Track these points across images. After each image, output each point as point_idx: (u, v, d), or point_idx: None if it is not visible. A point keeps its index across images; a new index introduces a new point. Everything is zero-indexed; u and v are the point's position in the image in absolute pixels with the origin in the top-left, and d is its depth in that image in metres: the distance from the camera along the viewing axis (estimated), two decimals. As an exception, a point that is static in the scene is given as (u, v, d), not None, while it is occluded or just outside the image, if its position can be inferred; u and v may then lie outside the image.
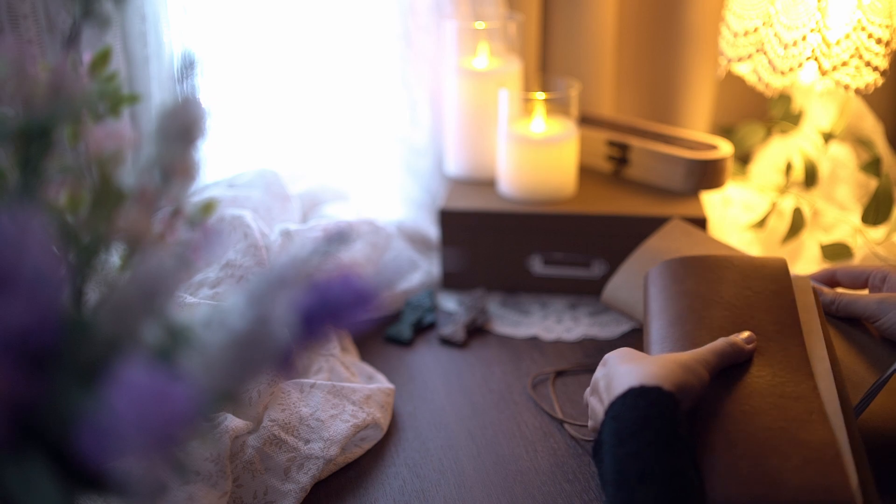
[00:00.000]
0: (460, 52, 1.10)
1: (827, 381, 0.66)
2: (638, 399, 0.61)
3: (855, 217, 1.08)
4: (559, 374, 0.89)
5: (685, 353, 0.66)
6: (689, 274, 0.76)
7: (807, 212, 1.09)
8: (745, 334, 0.69)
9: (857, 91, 0.96)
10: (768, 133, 1.22)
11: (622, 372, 0.64)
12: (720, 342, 0.67)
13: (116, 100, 0.45)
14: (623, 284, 0.90)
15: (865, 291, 0.79)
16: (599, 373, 0.68)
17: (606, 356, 0.69)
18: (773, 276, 0.76)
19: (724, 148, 1.08)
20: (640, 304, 0.86)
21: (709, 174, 1.06)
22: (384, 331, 0.97)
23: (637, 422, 0.59)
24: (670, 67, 1.22)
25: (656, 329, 0.73)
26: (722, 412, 0.64)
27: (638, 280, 0.88)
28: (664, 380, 0.61)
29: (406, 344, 0.95)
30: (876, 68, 0.95)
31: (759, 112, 1.27)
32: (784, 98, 1.19)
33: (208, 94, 0.97)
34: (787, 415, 0.63)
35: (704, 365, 0.65)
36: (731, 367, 0.67)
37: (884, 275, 0.77)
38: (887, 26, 0.93)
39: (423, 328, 0.98)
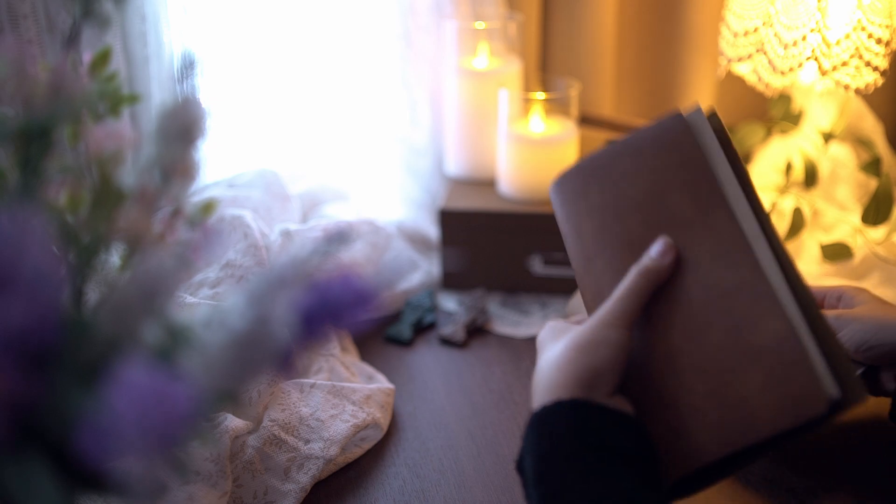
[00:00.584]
0: (460, 52, 1.10)
1: (763, 251, 0.55)
2: (543, 426, 0.52)
3: (855, 217, 1.08)
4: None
5: (594, 320, 0.56)
6: (589, 184, 0.63)
7: (807, 212, 1.09)
8: (656, 247, 0.57)
9: (857, 91, 0.96)
10: (768, 133, 1.22)
11: (536, 382, 0.56)
12: (630, 279, 0.56)
13: (116, 100, 0.45)
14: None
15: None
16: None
17: (539, 337, 0.60)
18: (673, 143, 0.61)
19: (724, 148, 1.08)
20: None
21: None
22: (384, 331, 0.97)
23: (549, 458, 0.50)
24: (670, 67, 1.22)
25: (578, 266, 0.63)
26: (665, 350, 0.55)
27: None
28: (563, 387, 0.53)
29: (406, 344, 0.95)
30: (876, 68, 0.95)
31: (759, 112, 1.27)
32: (784, 98, 1.19)
33: (208, 94, 0.97)
34: (735, 317, 0.53)
35: (619, 321, 0.55)
36: (658, 291, 0.57)
37: (839, 293, 0.74)
38: (887, 26, 0.93)
39: (423, 328, 0.98)
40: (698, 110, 0.62)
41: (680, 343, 0.55)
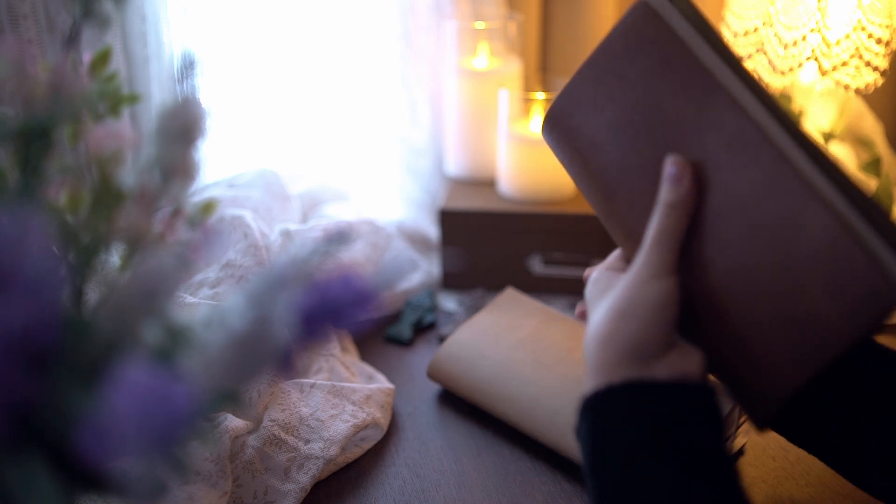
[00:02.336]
0: (460, 52, 1.10)
1: (780, 136, 0.48)
2: (595, 414, 0.49)
3: (855, 217, 1.08)
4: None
5: (631, 277, 0.51)
6: (578, 116, 0.58)
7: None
8: (667, 174, 0.51)
9: (857, 91, 0.96)
10: (768, 133, 1.22)
11: (585, 355, 0.51)
12: (657, 221, 0.51)
13: (116, 100, 0.45)
14: (448, 357, 0.84)
15: None
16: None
17: (586, 294, 0.56)
18: (646, 41, 0.54)
19: (724, 148, 1.08)
20: (465, 377, 0.82)
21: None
22: (384, 331, 0.97)
23: (603, 451, 0.47)
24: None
25: (598, 207, 0.58)
26: (716, 282, 0.50)
27: (463, 353, 0.84)
28: (612, 367, 0.48)
29: (406, 344, 0.95)
30: (876, 68, 0.95)
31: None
32: (784, 98, 1.19)
33: (208, 94, 0.97)
34: (775, 224, 0.48)
35: (659, 270, 0.50)
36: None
37: None
38: (887, 26, 0.93)
39: (423, 328, 0.98)
40: None
41: (736, 260, 0.49)
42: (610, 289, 0.52)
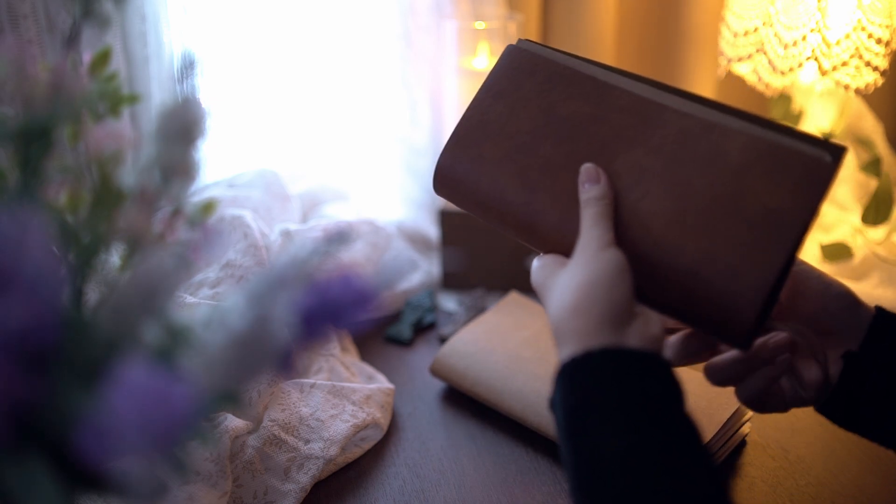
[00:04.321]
0: (460, 52, 1.10)
1: (673, 100, 0.58)
2: (573, 378, 0.50)
3: (855, 217, 1.08)
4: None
5: (586, 251, 0.54)
6: (478, 145, 0.62)
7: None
8: (583, 174, 0.57)
9: (857, 91, 0.96)
10: (768, 133, 1.22)
11: (556, 329, 0.53)
12: (589, 211, 0.56)
13: (116, 100, 0.45)
14: (453, 353, 0.85)
15: None
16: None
17: (532, 282, 0.58)
18: (526, 69, 0.63)
19: (724, 148, 1.08)
20: (470, 372, 0.83)
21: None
22: (384, 331, 0.97)
23: (580, 412, 0.48)
24: (670, 67, 1.22)
25: (515, 214, 0.61)
26: (666, 221, 0.54)
27: (468, 350, 0.85)
28: (590, 334, 0.50)
29: (406, 344, 0.95)
30: (876, 68, 0.95)
31: (759, 112, 1.27)
32: (784, 98, 1.19)
33: (208, 94, 0.97)
34: (702, 158, 0.55)
35: (605, 243, 0.54)
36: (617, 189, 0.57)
37: None
38: (887, 26, 0.93)
39: (423, 328, 0.98)
40: (522, 40, 0.65)
41: (674, 205, 0.54)
42: (559, 269, 0.56)
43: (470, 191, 0.62)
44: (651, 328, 0.52)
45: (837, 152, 0.52)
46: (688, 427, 0.48)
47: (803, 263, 0.61)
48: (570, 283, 0.53)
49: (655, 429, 0.47)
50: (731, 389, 0.60)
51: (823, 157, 0.52)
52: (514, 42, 0.66)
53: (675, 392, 0.49)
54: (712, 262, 0.52)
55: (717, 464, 0.46)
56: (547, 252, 0.60)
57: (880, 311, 0.59)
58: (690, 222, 0.54)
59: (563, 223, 0.58)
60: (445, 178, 0.63)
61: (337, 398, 0.78)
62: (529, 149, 0.60)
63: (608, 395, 0.48)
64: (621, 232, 0.55)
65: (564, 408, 0.49)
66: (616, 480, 0.45)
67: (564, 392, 0.50)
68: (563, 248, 0.58)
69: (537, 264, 0.58)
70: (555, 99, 0.61)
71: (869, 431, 0.58)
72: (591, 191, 0.56)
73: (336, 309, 0.38)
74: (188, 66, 0.42)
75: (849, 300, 0.60)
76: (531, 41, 0.65)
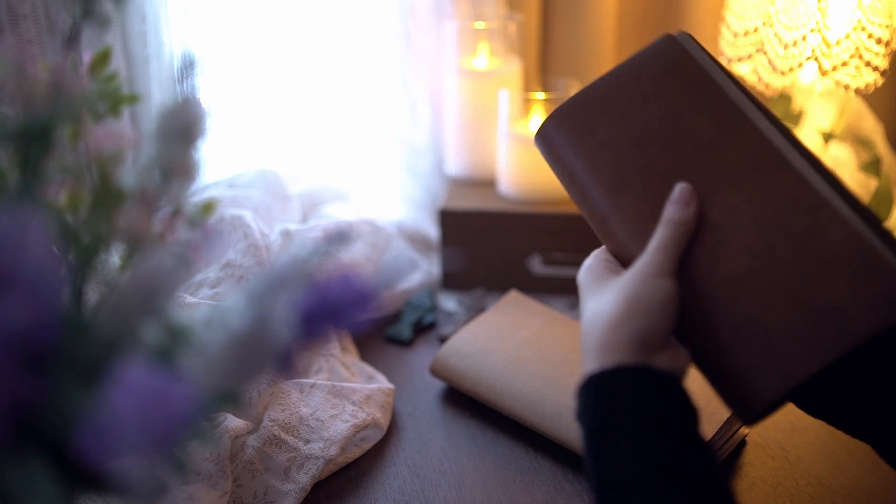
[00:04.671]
0: (460, 52, 1.10)
1: (799, 161, 0.54)
2: (601, 392, 0.50)
3: (855, 217, 1.08)
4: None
5: (641, 270, 0.53)
6: (594, 117, 0.61)
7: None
8: (676, 196, 0.55)
9: (857, 91, 0.96)
10: (768, 133, 1.22)
11: (588, 337, 0.53)
12: (662, 231, 0.54)
13: (116, 100, 0.45)
14: (453, 353, 0.85)
15: None
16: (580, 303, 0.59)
17: (578, 279, 0.59)
18: (674, 66, 0.60)
19: (724, 148, 1.08)
20: (470, 372, 0.83)
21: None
22: (384, 331, 0.97)
23: (605, 427, 0.49)
24: (670, 67, 1.22)
25: (599, 203, 0.59)
26: (729, 277, 0.53)
27: (468, 349, 0.84)
28: (621, 350, 0.50)
29: (406, 344, 0.95)
30: (876, 68, 0.95)
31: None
32: (784, 98, 1.19)
33: (208, 94, 0.97)
34: (796, 231, 0.52)
35: (664, 270, 0.53)
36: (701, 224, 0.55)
37: None
38: (887, 26, 0.93)
39: (423, 328, 0.98)
40: (683, 33, 0.62)
41: (749, 264, 0.52)
42: (609, 276, 0.55)
43: (566, 156, 0.61)
44: (679, 359, 0.52)
45: None
46: (706, 452, 0.49)
47: None
48: (615, 295, 0.53)
49: (677, 450, 0.48)
50: None
51: None
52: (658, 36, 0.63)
53: (695, 417, 0.50)
54: (756, 332, 0.51)
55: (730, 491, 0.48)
56: (606, 246, 0.59)
57: None
58: (754, 285, 0.52)
59: (635, 231, 0.57)
60: (551, 131, 0.62)
61: (337, 398, 0.78)
62: (639, 144, 0.58)
63: (634, 413, 0.49)
64: (685, 262, 0.54)
65: (589, 420, 0.50)
66: (637, 498, 0.46)
67: (590, 404, 0.51)
68: (623, 253, 0.57)
69: (590, 263, 0.58)
70: (686, 108, 0.59)
71: (840, 421, 0.58)
72: (677, 212, 0.55)
73: (336, 309, 0.38)
74: (188, 66, 0.42)
75: None
76: (691, 37, 0.61)
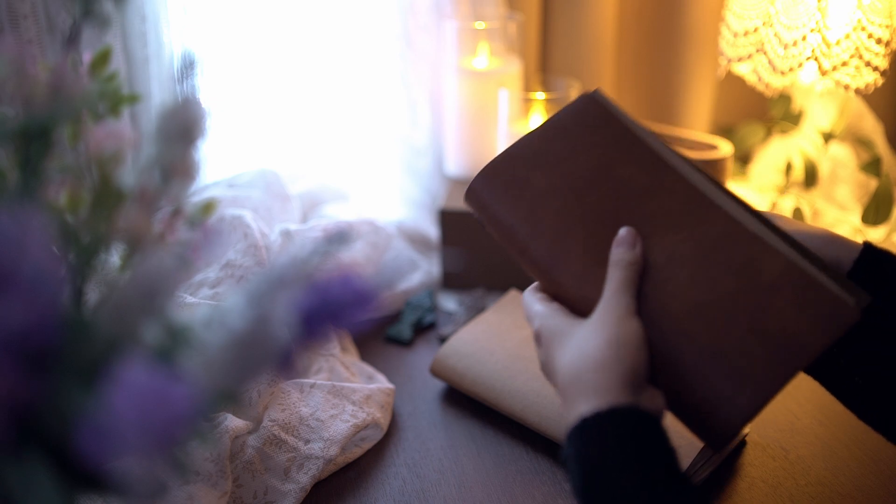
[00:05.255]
0: (460, 52, 1.10)
1: (726, 202, 0.59)
2: (594, 433, 0.51)
3: (855, 217, 1.08)
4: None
5: (612, 313, 0.55)
6: (529, 171, 0.63)
7: (807, 212, 1.09)
8: (621, 239, 0.58)
9: (857, 91, 0.96)
10: (768, 133, 1.22)
11: (574, 379, 0.54)
12: (616, 274, 0.56)
13: (116, 100, 0.45)
14: (453, 353, 0.85)
15: None
16: (540, 354, 0.59)
17: (537, 326, 0.58)
18: (598, 121, 0.64)
19: (724, 148, 1.08)
20: (470, 372, 0.83)
21: (709, 174, 1.06)
22: (384, 331, 0.97)
23: (599, 469, 0.49)
24: (670, 67, 1.22)
25: (539, 253, 0.61)
26: (684, 311, 0.55)
27: (468, 349, 0.85)
28: (613, 391, 0.51)
29: (406, 344, 0.95)
30: (876, 68, 0.95)
31: (759, 112, 1.27)
32: (784, 98, 1.19)
33: (208, 94, 0.97)
34: (736, 263, 0.56)
35: (629, 311, 0.55)
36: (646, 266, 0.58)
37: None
38: (887, 26, 0.93)
39: (423, 328, 0.98)
40: (598, 90, 0.66)
41: (698, 297, 0.55)
42: (574, 322, 0.57)
43: (502, 211, 0.63)
44: (657, 399, 0.54)
45: (863, 299, 0.54)
46: (692, 487, 0.51)
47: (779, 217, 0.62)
48: (594, 338, 0.54)
49: (671, 488, 0.49)
50: None
51: (849, 301, 0.54)
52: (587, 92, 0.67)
53: (677, 454, 0.51)
54: (718, 360, 0.53)
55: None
56: (548, 292, 0.61)
57: (868, 247, 0.59)
58: (708, 317, 0.55)
59: (585, 275, 0.59)
60: (482, 189, 0.64)
61: (337, 398, 0.78)
62: (577, 193, 0.61)
63: (630, 453, 0.49)
64: (640, 302, 0.56)
65: (586, 461, 0.50)
66: None
67: (584, 445, 0.51)
68: (570, 297, 0.59)
69: (545, 311, 0.59)
70: (616, 158, 0.62)
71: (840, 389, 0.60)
72: (625, 253, 0.57)
73: (336, 309, 0.38)
74: (188, 66, 0.42)
75: (825, 237, 0.60)
76: (605, 96, 0.66)
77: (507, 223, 0.62)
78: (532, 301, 0.60)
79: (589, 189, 0.61)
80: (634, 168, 0.61)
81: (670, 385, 0.54)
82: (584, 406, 0.52)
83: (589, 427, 0.51)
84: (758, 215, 0.58)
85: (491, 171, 0.64)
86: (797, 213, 1.07)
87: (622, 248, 0.58)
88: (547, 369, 0.58)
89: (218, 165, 1.00)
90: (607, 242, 0.59)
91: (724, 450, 0.59)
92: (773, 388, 0.53)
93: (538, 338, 0.59)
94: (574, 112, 0.65)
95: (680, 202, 0.59)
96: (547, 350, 0.57)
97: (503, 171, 0.64)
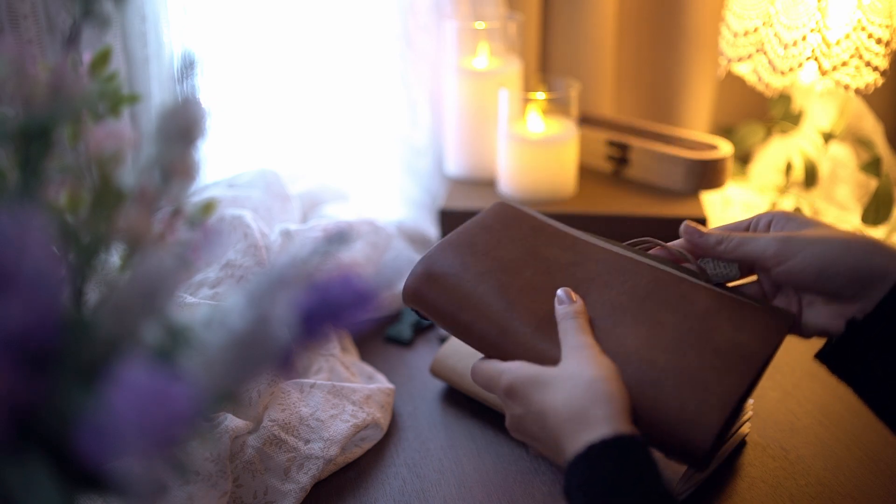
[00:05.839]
0: (460, 52, 1.10)
1: (644, 259, 0.68)
2: (600, 461, 0.52)
3: (855, 217, 1.08)
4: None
5: (587, 353, 0.59)
6: (464, 258, 0.69)
7: (807, 212, 1.09)
8: (559, 294, 0.64)
9: (857, 91, 0.96)
10: (768, 133, 1.22)
11: (573, 414, 0.55)
12: (569, 325, 0.62)
13: (116, 100, 0.45)
14: (453, 353, 0.85)
15: None
16: (516, 408, 0.60)
17: (508, 381, 0.60)
18: (515, 218, 0.73)
19: (724, 148, 1.08)
20: (469, 373, 0.81)
21: (709, 174, 1.06)
22: (384, 331, 0.97)
23: (605, 495, 0.51)
24: (670, 67, 1.22)
25: (492, 328, 0.66)
26: (638, 346, 0.61)
27: (468, 350, 0.82)
28: (617, 420, 0.54)
29: (406, 344, 0.95)
30: (876, 68, 0.95)
31: (759, 112, 1.27)
32: (784, 98, 1.19)
33: (208, 94, 0.97)
34: (671, 302, 0.64)
35: (600, 351, 0.60)
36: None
37: (768, 217, 0.66)
38: (887, 26, 0.93)
39: (423, 328, 0.98)
40: (508, 201, 0.77)
41: (647, 332, 0.62)
42: (547, 370, 0.59)
43: (445, 297, 0.67)
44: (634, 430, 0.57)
45: (789, 317, 0.63)
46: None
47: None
48: (583, 376, 0.57)
49: None
50: None
51: (782, 310, 0.63)
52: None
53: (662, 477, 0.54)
54: (681, 375, 0.59)
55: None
56: (503, 359, 0.63)
57: None
58: (662, 342, 0.61)
59: (537, 336, 0.63)
60: (422, 283, 0.68)
61: (337, 398, 0.78)
62: (512, 270, 0.68)
63: (635, 477, 0.51)
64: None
65: (592, 486, 0.51)
66: None
67: (593, 470, 0.52)
68: (531, 358, 0.62)
69: (511, 366, 0.61)
70: (538, 244, 0.70)
71: (860, 385, 0.60)
72: (569, 307, 0.63)
73: (336, 309, 0.38)
74: (188, 66, 0.42)
75: (867, 247, 0.60)
76: (514, 204, 0.75)
77: (449, 310, 0.67)
78: (489, 364, 0.63)
79: (522, 267, 0.68)
80: (557, 249, 0.70)
81: (644, 416, 0.58)
82: (587, 437, 0.53)
83: (597, 454, 0.52)
84: (667, 262, 0.67)
85: (427, 266, 0.69)
86: (797, 213, 1.07)
87: (565, 304, 0.63)
88: (529, 418, 0.59)
89: (218, 165, 1.00)
90: (551, 306, 0.65)
91: (706, 471, 0.67)
92: (740, 391, 0.58)
93: (511, 392, 0.60)
94: (492, 213, 0.74)
95: (605, 266, 0.67)
96: (526, 399, 0.59)
97: (439, 263, 0.69)
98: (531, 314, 0.65)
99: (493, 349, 0.65)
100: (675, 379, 0.59)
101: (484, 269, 0.68)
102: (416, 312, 0.70)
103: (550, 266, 0.68)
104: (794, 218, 0.65)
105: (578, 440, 0.53)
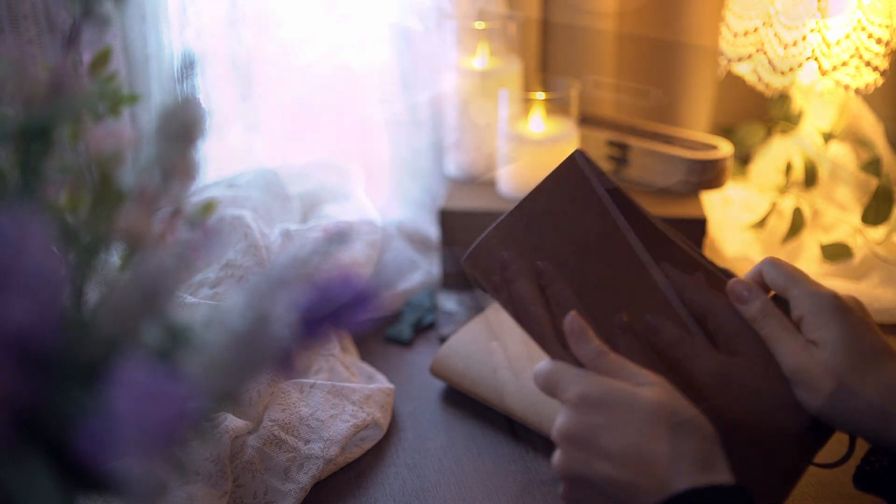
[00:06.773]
0: (460, 52, 1.10)
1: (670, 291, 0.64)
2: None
3: (855, 217, 1.08)
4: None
5: (663, 387, 0.54)
6: (507, 248, 0.63)
7: (807, 212, 1.09)
8: (568, 322, 0.59)
9: (857, 91, 0.96)
10: (768, 133, 1.22)
11: (655, 452, 0.51)
12: (606, 364, 0.57)
13: (116, 100, 0.45)
14: (453, 353, 0.85)
15: None
16: (574, 417, 0.54)
17: (581, 390, 0.54)
18: (573, 191, 0.67)
19: (724, 148, 1.08)
20: (470, 372, 0.83)
21: (709, 174, 1.06)
22: (384, 331, 0.97)
23: None
24: (670, 67, 1.22)
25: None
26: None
27: (468, 350, 0.84)
28: (722, 466, 0.52)
29: (406, 344, 0.95)
30: (876, 68, 0.95)
31: (759, 112, 1.27)
32: (784, 98, 1.18)
33: (208, 94, 0.97)
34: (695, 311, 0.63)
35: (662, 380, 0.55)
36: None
37: (799, 314, 0.60)
38: (887, 26, 0.93)
39: (423, 328, 0.98)
40: (577, 153, 0.69)
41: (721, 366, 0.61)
42: (625, 387, 0.54)
43: (518, 264, 0.62)
44: None
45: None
46: None
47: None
48: (663, 403, 0.53)
49: None
50: None
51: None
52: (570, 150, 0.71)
53: None
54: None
55: None
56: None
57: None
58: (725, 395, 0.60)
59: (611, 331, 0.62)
60: (482, 254, 0.63)
61: (337, 398, 0.78)
62: (582, 252, 0.64)
63: None
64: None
65: None
66: None
67: None
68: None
69: (585, 373, 0.56)
70: (569, 222, 0.66)
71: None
72: (590, 350, 0.58)
73: (336, 309, 0.38)
74: (188, 66, 0.42)
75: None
76: (585, 158, 0.69)
77: (520, 278, 0.62)
78: (563, 366, 0.58)
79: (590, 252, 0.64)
80: (604, 267, 0.64)
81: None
82: (689, 476, 0.50)
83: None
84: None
85: (491, 241, 0.63)
86: (797, 213, 1.07)
87: (578, 345, 0.59)
88: (609, 434, 0.53)
89: (218, 165, 1.00)
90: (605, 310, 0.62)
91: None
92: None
93: (586, 401, 0.54)
94: (557, 180, 0.69)
95: (645, 304, 0.63)
96: (609, 412, 0.53)
97: (514, 239, 0.64)
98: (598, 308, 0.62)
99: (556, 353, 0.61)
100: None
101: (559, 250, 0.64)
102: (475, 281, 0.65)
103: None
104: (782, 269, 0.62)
105: (674, 477, 0.50)
